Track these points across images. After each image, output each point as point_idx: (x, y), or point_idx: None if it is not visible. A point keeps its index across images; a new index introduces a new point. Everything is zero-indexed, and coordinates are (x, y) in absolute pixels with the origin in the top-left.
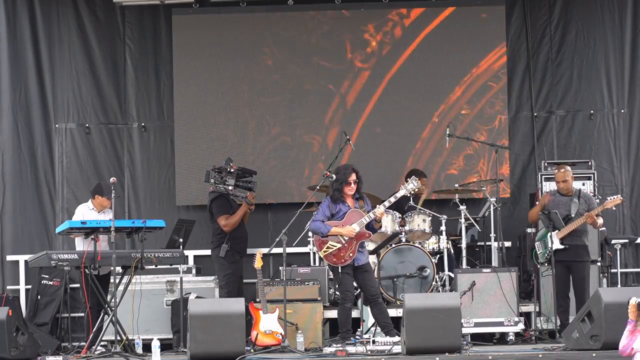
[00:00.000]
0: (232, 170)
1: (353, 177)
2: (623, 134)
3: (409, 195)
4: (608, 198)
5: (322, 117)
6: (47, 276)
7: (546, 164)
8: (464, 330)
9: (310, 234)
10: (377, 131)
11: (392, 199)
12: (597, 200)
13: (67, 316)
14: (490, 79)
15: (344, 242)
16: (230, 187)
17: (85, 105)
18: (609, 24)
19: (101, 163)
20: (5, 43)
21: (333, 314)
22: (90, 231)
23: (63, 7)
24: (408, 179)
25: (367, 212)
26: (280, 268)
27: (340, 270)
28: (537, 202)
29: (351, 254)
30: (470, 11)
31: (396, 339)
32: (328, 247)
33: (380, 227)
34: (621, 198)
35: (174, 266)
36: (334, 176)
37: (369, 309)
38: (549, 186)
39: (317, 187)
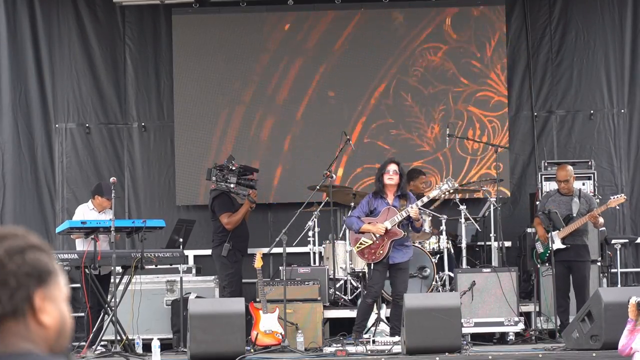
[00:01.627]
0: (233, 168)
1: (392, 167)
2: (623, 134)
3: (443, 195)
4: (611, 197)
5: (323, 116)
6: None
7: (546, 164)
8: (464, 330)
9: (310, 233)
10: (380, 130)
11: (425, 199)
12: (598, 201)
13: None
14: (490, 78)
15: (375, 239)
16: (232, 185)
17: (85, 105)
18: (609, 24)
19: (101, 163)
20: (5, 43)
21: (333, 314)
22: (90, 231)
23: (63, 7)
24: (415, 178)
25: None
26: (280, 268)
27: (372, 267)
28: (537, 202)
29: (382, 252)
30: (470, 11)
31: (396, 338)
32: (360, 244)
33: (422, 225)
34: (625, 197)
35: (174, 266)
36: (334, 176)
37: None
38: (549, 186)
39: (317, 187)
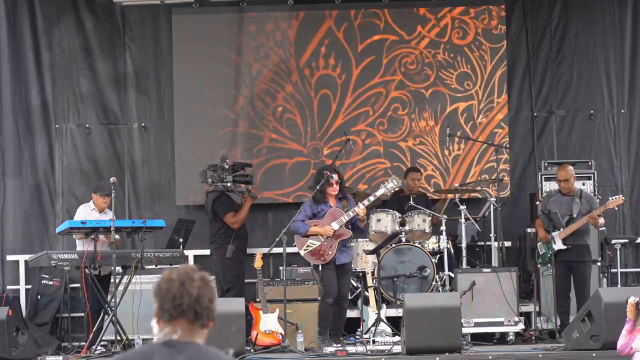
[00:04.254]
0: (227, 166)
1: (334, 177)
2: (623, 134)
3: (388, 194)
4: (610, 198)
5: (324, 116)
6: (47, 276)
7: (546, 164)
8: (464, 330)
9: None
10: (381, 132)
11: (372, 198)
12: (598, 200)
13: (67, 316)
14: (490, 79)
15: (323, 240)
16: (229, 184)
17: (85, 105)
18: (609, 24)
19: (101, 163)
20: (5, 43)
21: None
22: (91, 231)
23: (63, 7)
24: (405, 175)
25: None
26: (280, 268)
27: (321, 268)
28: (537, 202)
29: (331, 252)
30: (470, 11)
31: (396, 339)
32: (308, 246)
33: (366, 225)
34: (623, 198)
35: (174, 266)
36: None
37: (369, 308)
38: (549, 186)
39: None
